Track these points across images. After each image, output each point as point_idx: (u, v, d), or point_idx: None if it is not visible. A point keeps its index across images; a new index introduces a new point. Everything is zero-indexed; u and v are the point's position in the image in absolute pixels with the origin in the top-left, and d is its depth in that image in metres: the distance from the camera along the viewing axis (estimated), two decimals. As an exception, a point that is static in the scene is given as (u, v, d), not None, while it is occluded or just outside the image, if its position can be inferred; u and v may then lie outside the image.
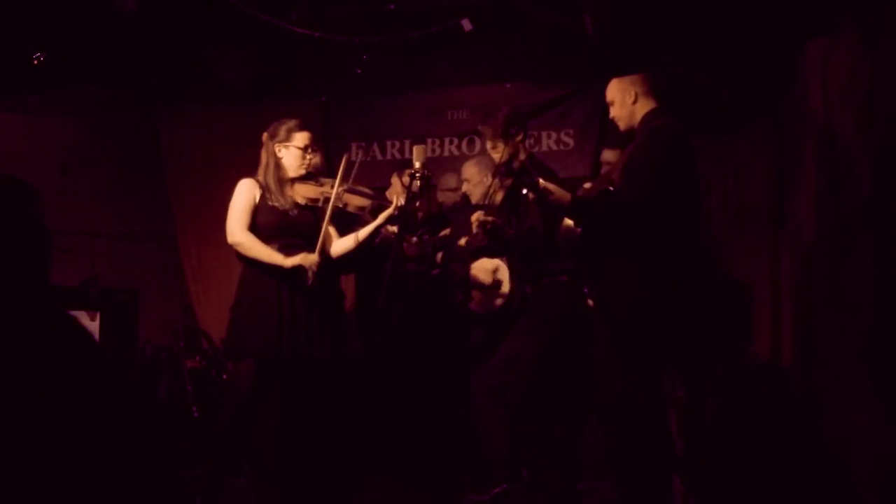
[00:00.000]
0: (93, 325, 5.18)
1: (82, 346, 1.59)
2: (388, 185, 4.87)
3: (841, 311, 3.33)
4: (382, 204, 3.80)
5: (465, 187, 4.50)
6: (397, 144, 5.84)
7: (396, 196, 3.74)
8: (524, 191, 3.19)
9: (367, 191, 3.92)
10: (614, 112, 3.37)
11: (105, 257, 5.80)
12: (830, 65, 3.53)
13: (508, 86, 5.63)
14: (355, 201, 3.83)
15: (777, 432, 3.70)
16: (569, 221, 3.41)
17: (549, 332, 3.87)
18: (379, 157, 5.81)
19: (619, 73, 3.37)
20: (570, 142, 5.64)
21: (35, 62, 4.81)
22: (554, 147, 5.58)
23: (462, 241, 4.22)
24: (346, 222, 3.91)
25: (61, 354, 1.51)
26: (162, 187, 6.11)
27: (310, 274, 3.58)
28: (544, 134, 5.63)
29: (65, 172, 5.91)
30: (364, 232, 3.78)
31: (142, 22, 4.53)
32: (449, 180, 5.02)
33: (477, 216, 3.72)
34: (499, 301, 4.10)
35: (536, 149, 5.45)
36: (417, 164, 3.70)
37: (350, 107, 5.93)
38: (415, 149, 3.77)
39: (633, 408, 3.10)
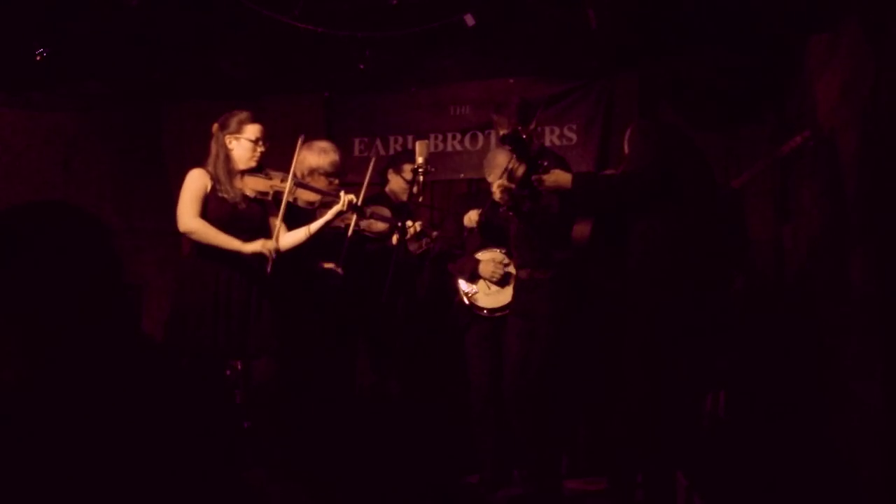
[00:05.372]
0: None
1: None
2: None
3: (845, 306, 3.32)
4: (331, 199, 3.82)
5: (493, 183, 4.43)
6: (400, 140, 5.83)
7: (344, 193, 3.77)
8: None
9: (315, 185, 3.95)
10: None
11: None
12: (834, 60, 3.53)
13: (511, 81, 5.61)
14: (305, 196, 3.87)
15: (781, 428, 3.71)
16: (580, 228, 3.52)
17: (547, 330, 3.86)
18: (382, 152, 5.80)
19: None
20: (574, 137, 5.62)
21: (38, 58, 4.82)
22: (557, 142, 5.56)
23: (474, 215, 4.20)
24: (294, 216, 3.90)
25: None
26: (164, 182, 6.09)
27: (269, 260, 3.60)
28: (547, 129, 5.61)
29: (67, 168, 5.91)
30: (315, 225, 3.81)
31: (144, 17, 4.53)
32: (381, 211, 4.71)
33: (501, 182, 3.74)
34: (502, 299, 4.12)
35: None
36: (420, 160, 3.70)
37: (353, 102, 5.92)
38: (417, 144, 3.78)
39: (648, 399, 3.18)
